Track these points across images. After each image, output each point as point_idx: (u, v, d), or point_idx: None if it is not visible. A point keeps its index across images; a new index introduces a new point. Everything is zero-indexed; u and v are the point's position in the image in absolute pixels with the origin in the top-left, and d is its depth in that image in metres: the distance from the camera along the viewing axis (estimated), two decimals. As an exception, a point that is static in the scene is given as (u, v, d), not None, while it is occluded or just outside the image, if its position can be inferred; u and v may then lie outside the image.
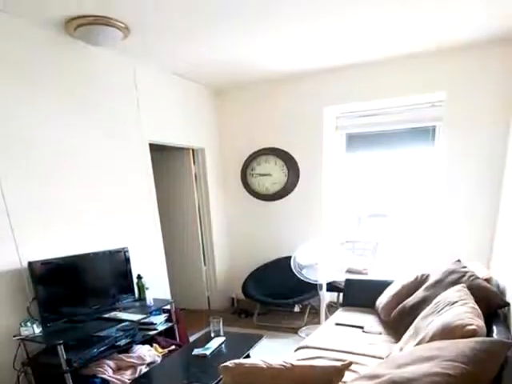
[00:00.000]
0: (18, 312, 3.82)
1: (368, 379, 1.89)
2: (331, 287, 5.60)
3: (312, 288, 5.53)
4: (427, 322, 2.80)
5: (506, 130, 4.80)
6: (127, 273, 4.78)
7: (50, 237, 4.10)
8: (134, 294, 4.88)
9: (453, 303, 2.78)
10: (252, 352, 3.98)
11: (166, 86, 5.49)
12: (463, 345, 1.90)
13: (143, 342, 4.55)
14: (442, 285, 3.49)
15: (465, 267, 3.55)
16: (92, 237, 4.53)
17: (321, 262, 5.17)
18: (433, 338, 2.41)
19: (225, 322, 4.37)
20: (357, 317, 4.33)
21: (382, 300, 4.28)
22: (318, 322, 5.59)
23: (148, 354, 4.40)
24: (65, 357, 3.63)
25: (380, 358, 3.16)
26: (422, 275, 4.04)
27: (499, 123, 4.85)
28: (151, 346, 4.61)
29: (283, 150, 6.22)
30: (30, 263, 3.76)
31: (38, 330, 3.79)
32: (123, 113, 4.86)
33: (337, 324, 4.15)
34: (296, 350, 3.59)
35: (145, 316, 4.51)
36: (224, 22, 3.86)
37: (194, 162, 6.42)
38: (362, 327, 4.00)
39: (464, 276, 3.37)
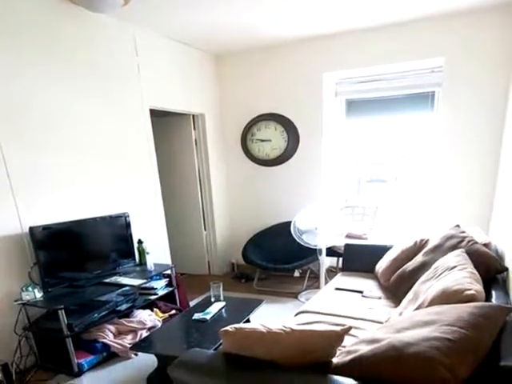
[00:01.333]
0: (19, 277, 3.85)
1: (367, 343, 1.91)
2: (331, 252, 5.62)
3: (312, 253, 5.55)
4: (426, 287, 2.81)
5: (504, 95, 4.82)
6: (128, 238, 4.80)
7: (51, 202, 4.12)
8: (134, 258, 4.91)
9: (452, 268, 2.79)
10: (252, 317, 4.01)
11: (166, 51, 5.42)
12: (462, 310, 1.91)
13: (144, 307, 4.60)
14: (441, 250, 3.49)
15: (464, 232, 3.55)
16: (93, 202, 4.54)
17: (320, 227, 5.18)
18: (432, 303, 2.42)
19: (225, 287, 4.39)
20: (356, 281, 4.35)
21: (381, 265, 4.30)
22: (318, 287, 5.62)
23: (148, 318, 4.44)
24: (66, 321, 3.67)
25: (379, 322, 3.18)
26: (421, 240, 4.05)
27: (498, 88, 4.86)
28: (152, 310, 4.65)
29: (283, 116, 6.18)
30: (31, 228, 3.77)
31: (39, 294, 3.82)
32: (123, 79, 4.82)
33: (336, 289, 4.17)
34: (296, 315, 3.61)
35: (145, 281, 4.54)
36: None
37: (195, 128, 6.38)
38: (361, 292, 4.02)
39: (463, 241, 3.37)
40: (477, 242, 3.30)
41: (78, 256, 4.28)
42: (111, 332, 4.16)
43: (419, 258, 3.70)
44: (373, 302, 3.77)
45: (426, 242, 3.97)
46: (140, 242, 4.96)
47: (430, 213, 5.70)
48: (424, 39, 5.07)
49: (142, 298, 4.62)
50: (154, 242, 5.41)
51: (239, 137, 6.57)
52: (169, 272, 5.02)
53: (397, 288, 3.79)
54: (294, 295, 5.74)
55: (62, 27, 4.09)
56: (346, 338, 2.06)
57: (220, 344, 3.10)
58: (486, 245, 3.36)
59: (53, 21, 4.00)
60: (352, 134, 6.32)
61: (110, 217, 4.60)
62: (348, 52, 5.54)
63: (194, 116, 6.32)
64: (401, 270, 3.85)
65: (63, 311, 3.64)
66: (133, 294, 4.51)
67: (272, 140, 6.30)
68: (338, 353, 2.00)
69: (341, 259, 5.47)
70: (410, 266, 3.74)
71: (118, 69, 4.74)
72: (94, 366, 3.94)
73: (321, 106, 5.95)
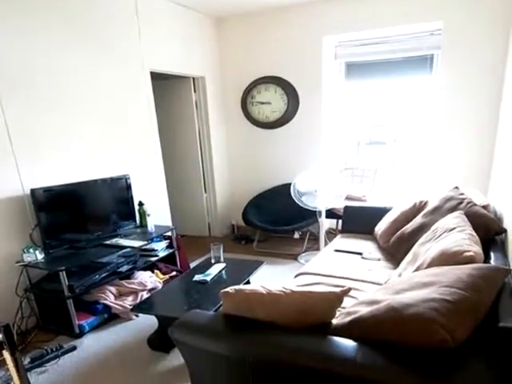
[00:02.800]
0: (21, 239, 3.88)
1: (367, 305, 1.92)
2: (330, 214, 5.64)
3: (311, 215, 5.58)
4: (425, 249, 2.82)
5: (503, 57, 4.81)
6: (128, 200, 4.81)
7: (52, 165, 4.12)
8: (135, 220, 4.93)
9: (450, 230, 2.79)
10: (252, 278, 4.05)
11: (166, 14, 5.36)
12: (461, 271, 1.91)
13: (144, 269, 4.63)
14: (439, 212, 3.49)
15: (462, 194, 3.54)
16: (93, 165, 4.56)
17: (320, 189, 5.18)
18: (431, 265, 2.43)
19: (225, 249, 4.42)
20: (356, 243, 4.37)
21: (380, 226, 4.31)
22: (318, 249, 5.66)
23: (149, 280, 4.48)
24: (67, 283, 3.70)
25: (379, 283, 3.21)
26: (421, 202, 4.05)
27: (497, 51, 4.86)
28: (152, 272, 4.69)
29: (283, 79, 6.18)
30: (32, 190, 3.78)
31: (40, 256, 3.85)
32: (124, 41, 4.79)
33: (336, 250, 4.19)
34: (295, 276, 3.63)
35: (146, 242, 4.56)
36: None
37: (195, 91, 6.37)
38: (360, 253, 4.04)
39: (462, 203, 3.37)
40: (476, 204, 3.30)
41: (78, 218, 4.29)
42: (112, 293, 4.20)
43: (418, 220, 3.70)
44: (372, 263, 3.79)
45: (425, 203, 3.98)
46: (141, 203, 4.97)
47: (429, 175, 5.70)
48: (423, 1, 5.03)
49: (142, 260, 4.65)
50: (155, 204, 5.44)
51: (239, 99, 6.58)
52: (169, 234, 5.04)
53: (396, 250, 3.81)
54: (294, 257, 5.78)
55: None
56: (346, 299, 2.08)
57: (220, 305, 3.13)
58: (484, 207, 3.36)
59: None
60: (351, 97, 6.29)
61: (111, 179, 4.60)
62: (347, 15, 5.52)
63: (194, 79, 6.29)
64: (400, 231, 3.86)
65: (64, 273, 3.67)
66: (133, 255, 4.54)
67: (272, 102, 6.31)
68: (337, 314, 2.01)
69: (340, 221, 5.48)
70: (409, 227, 3.75)
71: (119, 31, 4.70)
72: (95, 328, 3.99)
73: (320, 68, 5.93)
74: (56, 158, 4.16)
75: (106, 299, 4.09)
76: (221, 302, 2.09)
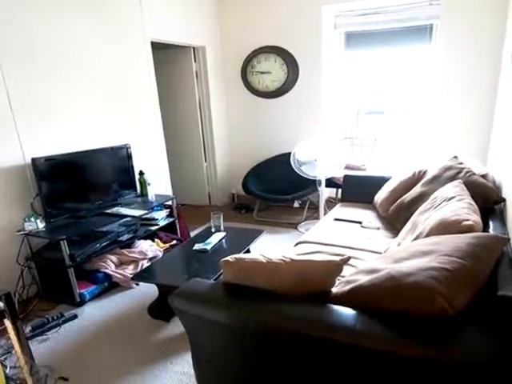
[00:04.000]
0: (22, 208, 3.90)
1: (366, 273, 1.93)
2: (330, 183, 5.64)
3: (311, 184, 5.58)
4: (424, 218, 2.82)
5: (502, 28, 4.78)
6: (129, 169, 4.82)
7: (53, 135, 4.13)
8: (135, 190, 4.95)
9: (449, 199, 2.79)
10: (252, 247, 4.07)
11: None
12: (460, 240, 1.92)
13: (145, 238, 4.66)
14: (439, 181, 3.49)
15: (461, 163, 3.53)
16: (94, 134, 4.57)
17: (320, 158, 5.17)
18: (430, 234, 2.43)
19: (225, 218, 4.43)
20: (355, 212, 4.38)
21: (380, 195, 4.32)
22: (317, 218, 5.67)
23: (150, 248, 4.50)
24: (68, 252, 3.72)
25: (378, 252, 3.22)
26: (420, 171, 4.04)
27: (496, 21, 4.82)
28: (153, 241, 4.72)
29: (283, 48, 6.17)
30: (33, 159, 3.78)
31: (41, 225, 3.87)
32: (125, 10, 4.76)
33: (335, 219, 4.20)
34: (295, 245, 3.64)
35: (146, 211, 4.57)
36: None
37: (195, 60, 6.36)
38: (360, 222, 4.05)
39: (461, 172, 3.36)
40: (474, 173, 3.29)
41: (79, 187, 4.30)
42: (113, 262, 4.23)
43: (417, 189, 3.70)
44: (372, 232, 3.80)
45: (425, 173, 3.97)
46: (141, 173, 4.97)
47: (428, 144, 5.70)
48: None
49: (143, 229, 4.67)
50: (155, 173, 5.45)
51: (239, 69, 6.59)
52: (170, 203, 5.05)
53: (395, 218, 3.82)
54: (294, 226, 5.80)
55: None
56: (345, 268, 2.08)
57: (220, 274, 3.15)
58: (483, 176, 3.35)
59: None
60: (351, 67, 6.29)
61: (112, 148, 4.60)
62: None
63: (194, 48, 6.27)
64: (399, 200, 3.86)
65: (65, 241, 3.69)
66: (134, 224, 4.56)
67: (272, 72, 6.32)
68: (337, 283, 2.02)
69: (340, 190, 5.48)
70: (409, 196, 3.75)
71: (120, 0, 4.67)
72: (96, 296, 4.02)
73: (320, 38, 5.92)
74: (57, 128, 4.16)
75: (107, 268, 4.12)
76: (221, 271, 2.10)
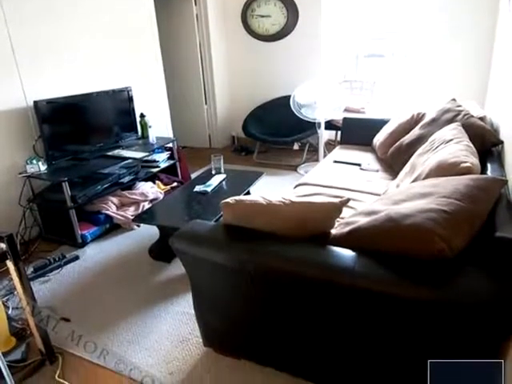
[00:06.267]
0: (24, 150, 3.91)
1: (365, 215, 1.95)
2: (329, 126, 5.63)
3: (311, 126, 5.56)
4: (423, 160, 2.83)
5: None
6: (130, 111, 4.81)
7: (55, 77, 4.12)
8: (137, 132, 4.95)
9: (448, 141, 2.78)
10: (252, 189, 4.09)
11: None
12: (458, 182, 1.92)
13: (146, 179, 4.68)
14: (437, 123, 3.47)
15: (460, 106, 3.51)
16: (96, 77, 4.55)
17: (319, 101, 5.14)
18: (428, 176, 2.44)
19: (225, 160, 4.43)
20: (354, 154, 4.39)
21: (378, 138, 4.32)
22: (317, 160, 5.68)
23: (151, 190, 4.53)
24: (69, 193, 3.75)
25: (377, 194, 3.24)
26: (418, 114, 4.03)
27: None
28: (154, 182, 4.74)
29: (282, -8, 6.09)
30: (35, 102, 3.77)
31: (43, 167, 3.89)
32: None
33: (335, 161, 4.21)
34: (295, 187, 3.67)
35: (147, 154, 4.60)
36: None
37: (196, 3, 6.29)
38: (359, 165, 4.06)
39: (459, 114, 3.34)
40: (473, 116, 3.27)
41: (81, 129, 4.30)
42: (114, 204, 4.26)
43: (416, 132, 3.70)
44: (371, 174, 3.82)
45: (423, 115, 3.96)
46: (142, 115, 4.96)
47: (426, 87, 5.68)
48: None
49: (144, 171, 4.69)
50: (156, 115, 5.43)
51: (239, 13, 6.54)
52: (170, 145, 5.05)
53: (394, 161, 3.83)
54: (293, 168, 5.82)
55: None
56: (345, 209, 2.11)
57: (221, 216, 3.17)
58: (481, 118, 3.33)
59: None
60: (350, 10, 6.23)
61: (113, 91, 4.59)
62: None
63: (195, -9, 6.16)
64: (398, 143, 3.86)
65: (67, 183, 3.71)
66: (135, 166, 4.56)
67: (272, 16, 6.32)
68: (336, 224, 2.05)
69: (339, 132, 5.47)
70: (407, 139, 3.75)
71: None
72: (97, 237, 4.07)
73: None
74: (58, 70, 4.14)
75: (108, 209, 4.15)
76: (221, 213, 2.11)
